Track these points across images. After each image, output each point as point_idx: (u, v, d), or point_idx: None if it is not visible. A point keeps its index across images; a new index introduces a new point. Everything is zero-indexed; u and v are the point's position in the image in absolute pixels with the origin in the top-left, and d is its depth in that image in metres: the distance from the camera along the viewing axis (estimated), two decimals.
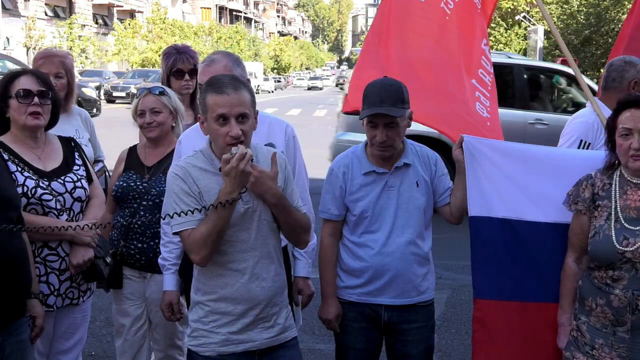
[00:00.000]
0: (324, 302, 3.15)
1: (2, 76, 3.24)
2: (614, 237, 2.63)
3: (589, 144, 3.72)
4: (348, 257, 3.11)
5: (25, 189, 3.04)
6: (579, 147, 3.72)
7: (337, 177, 3.09)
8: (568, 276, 2.83)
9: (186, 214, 2.52)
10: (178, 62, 4.11)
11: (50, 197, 3.10)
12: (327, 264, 3.14)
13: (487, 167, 3.00)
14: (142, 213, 3.48)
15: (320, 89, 69.47)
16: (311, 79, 78.83)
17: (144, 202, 3.50)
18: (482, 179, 3.00)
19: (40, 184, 3.08)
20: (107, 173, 4.21)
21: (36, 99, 3.07)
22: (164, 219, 2.67)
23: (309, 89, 70.15)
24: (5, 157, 3.02)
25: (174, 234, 2.62)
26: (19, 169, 3.06)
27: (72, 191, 3.19)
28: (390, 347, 3.18)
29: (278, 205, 2.60)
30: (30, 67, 3.69)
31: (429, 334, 3.18)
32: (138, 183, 3.54)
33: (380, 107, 2.89)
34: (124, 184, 3.55)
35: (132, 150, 3.72)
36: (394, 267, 3.03)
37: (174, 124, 3.62)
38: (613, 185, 2.71)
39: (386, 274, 3.04)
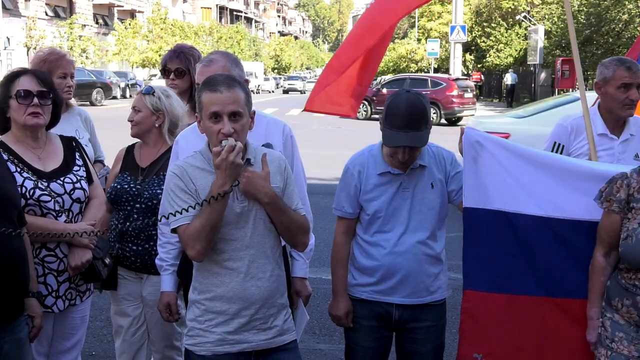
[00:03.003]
0: (334, 298, 3.17)
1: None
2: None
3: (563, 146, 3.79)
4: (361, 255, 3.13)
5: (24, 190, 3.03)
6: (552, 149, 3.82)
7: (352, 175, 3.10)
8: (597, 270, 2.82)
9: (181, 213, 2.53)
10: (165, 60, 4.14)
11: (49, 199, 3.09)
12: (339, 261, 3.16)
13: (485, 159, 3.00)
14: (135, 216, 3.47)
15: (302, 92, 56.41)
16: (289, 78, 64.63)
17: (137, 205, 3.49)
18: (479, 170, 3.00)
19: (39, 185, 3.08)
20: None
21: (36, 100, 3.07)
22: (160, 220, 2.67)
23: (286, 92, 57.69)
24: (5, 157, 3.02)
25: (172, 231, 2.63)
26: (18, 169, 3.06)
27: (71, 192, 3.18)
28: (400, 344, 3.20)
29: (271, 204, 2.61)
30: (29, 67, 3.67)
31: (439, 333, 3.19)
32: (132, 185, 3.52)
33: (405, 135, 2.88)
34: (118, 186, 3.53)
35: (130, 150, 3.70)
36: (405, 267, 3.04)
37: (158, 125, 3.58)
38: None
39: (397, 274, 3.05)
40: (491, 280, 2.99)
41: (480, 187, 2.99)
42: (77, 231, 3.06)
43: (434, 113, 24.76)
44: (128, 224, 3.43)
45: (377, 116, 25.71)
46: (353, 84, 4.02)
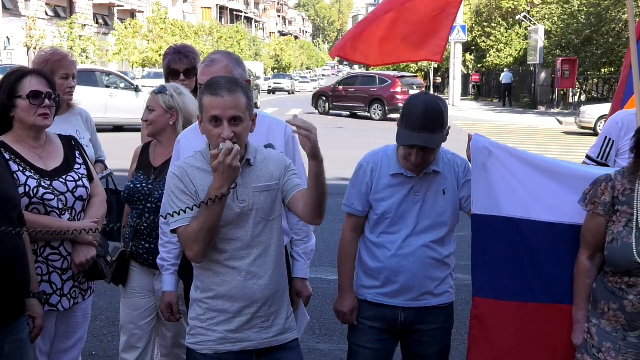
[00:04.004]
0: (340, 295, 3.16)
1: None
2: (634, 247, 2.60)
3: (613, 141, 3.81)
4: (367, 256, 3.13)
5: (27, 188, 3.04)
6: (603, 143, 3.83)
7: (365, 173, 3.09)
8: (582, 273, 2.81)
9: (179, 214, 2.54)
10: (172, 63, 4.14)
11: (52, 197, 3.10)
12: (346, 258, 3.15)
13: (493, 165, 2.99)
14: (147, 215, 3.50)
15: (290, 92, 51.93)
16: (274, 77, 59.70)
17: (149, 205, 3.53)
18: (487, 177, 3.00)
19: (42, 184, 3.09)
20: (112, 178, 4.22)
21: (47, 101, 3.10)
22: (164, 218, 2.68)
23: (271, 92, 52.60)
24: (7, 156, 3.02)
25: (172, 231, 2.64)
26: (21, 168, 3.07)
27: (74, 190, 3.19)
28: (406, 346, 3.20)
29: (322, 162, 2.53)
30: (29, 66, 3.68)
31: (445, 335, 3.19)
32: (144, 184, 3.57)
33: (419, 135, 2.88)
34: (131, 185, 3.59)
35: (145, 148, 3.74)
36: (409, 270, 3.03)
37: (172, 123, 3.60)
38: (636, 193, 2.67)
39: (401, 277, 3.04)
40: (500, 288, 2.98)
41: (488, 193, 2.98)
42: (81, 229, 3.07)
43: (380, 110, 26.66)
44: (141, 221, 3.47)
45: (334, 112, 28.81)
46: (431, 28, 4.05)
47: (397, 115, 26.60)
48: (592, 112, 21.32)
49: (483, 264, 3.02)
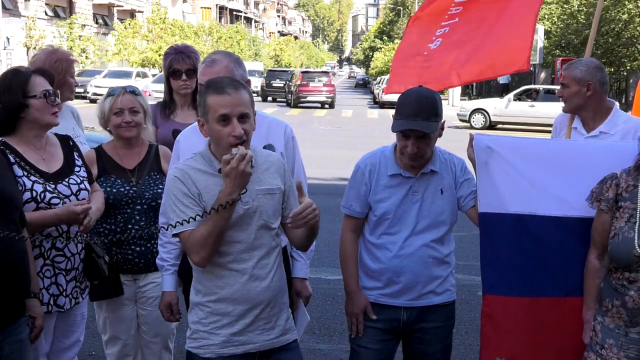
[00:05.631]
0: (349, 296, 3.13)
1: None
2: (635, 240, 2.63)
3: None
4: (368, 258, 3.12)
5: (35, 193, 3.04)
6: None
7: (363, 174, 3.09)
8: (591, 273, 2.84)
9: (188, 222, 2.51)
10: (175, 62, 4.11)
11: (58, 201, 3.10)
12: (349, 257, 3.15)
13: (497, 163, 3.01)
14: (137, 218, 3.46)
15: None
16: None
17: (138, 207, 3.48)
18: (491, 175, 3.01)
19: (48, 188, 3.09)
20: None
21: (57, 99, 3.13)
22: (166, 229, 2.64)
23: None
24: (12, 159, 3.03)
25: (174, 235, 2.61)
26: (25, 173, 3.06)
27: (77, 193, 3.19)
28: (408, 345, 3.19)
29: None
30: (39, 65, 3.67)
31: (447, 333, 3.19)
32: (127, 187, 3.49)
33: (414, 122, 2.88)
34: (114, 190, 3.47)
35: (101, 152, 3.60)
36: (411, 270, 3.03)
37: (145, 125, 3.59)
38: (639, 188, 2.70)
39: (403, 277, 3.04)
40: (510, 284, 2.98)
41: (494, 191, 3.00)
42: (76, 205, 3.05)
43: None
44: (130, 226, 3.43)
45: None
46: (513, 37, 4.08)
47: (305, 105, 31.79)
48: (467, 106, 24.61)
49: (492, 261, 3.02)
